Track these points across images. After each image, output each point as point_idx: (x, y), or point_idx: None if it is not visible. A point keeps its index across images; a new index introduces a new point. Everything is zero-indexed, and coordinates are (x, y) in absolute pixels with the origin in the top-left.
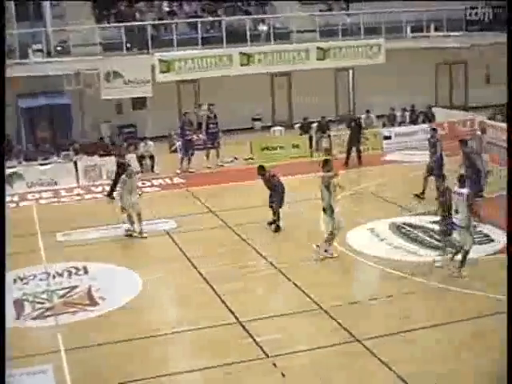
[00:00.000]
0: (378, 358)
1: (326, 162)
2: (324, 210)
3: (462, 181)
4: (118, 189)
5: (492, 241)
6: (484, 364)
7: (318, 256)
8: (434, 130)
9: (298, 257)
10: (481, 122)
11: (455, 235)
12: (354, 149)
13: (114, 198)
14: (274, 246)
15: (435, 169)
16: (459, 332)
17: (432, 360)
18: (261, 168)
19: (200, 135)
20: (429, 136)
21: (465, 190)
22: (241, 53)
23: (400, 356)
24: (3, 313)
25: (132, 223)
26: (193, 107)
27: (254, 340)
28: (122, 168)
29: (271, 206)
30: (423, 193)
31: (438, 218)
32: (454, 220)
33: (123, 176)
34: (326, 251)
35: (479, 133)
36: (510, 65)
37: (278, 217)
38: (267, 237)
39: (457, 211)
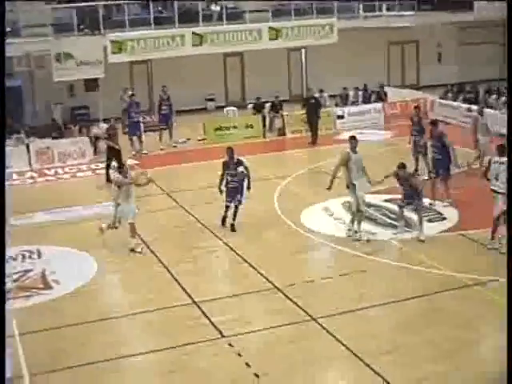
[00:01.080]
0: (334, 336)
1: (353, 139)
2: (347, 186)
3: (502, 150)
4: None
5: (444, 219)
6: (439, 339)
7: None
8: (418, 107)
9: (252, 236)
10: (479, 105)
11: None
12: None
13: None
14: (227, 226)
15: (421, 146)
16: (414, 308)
17: (387, 337)
18: (230, 150)
19: (153, 116)
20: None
21: (506, 159)
22: (193, 33)
23: (355, 333)
24: (3, 312)
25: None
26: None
27: (210, 320)
28: (113, 152)
29: (235, 206)
30: (417, 170)
31: (396, 196)
32: (493, 187)
33: (117, 175)
34: (356, 232)
35: (476, 114)
36: (509, 62)
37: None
38: (221, 217)
39: (496, 178)
